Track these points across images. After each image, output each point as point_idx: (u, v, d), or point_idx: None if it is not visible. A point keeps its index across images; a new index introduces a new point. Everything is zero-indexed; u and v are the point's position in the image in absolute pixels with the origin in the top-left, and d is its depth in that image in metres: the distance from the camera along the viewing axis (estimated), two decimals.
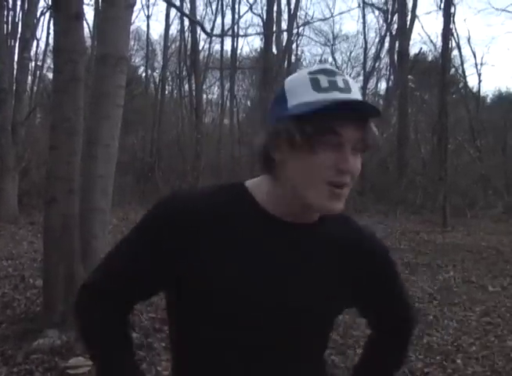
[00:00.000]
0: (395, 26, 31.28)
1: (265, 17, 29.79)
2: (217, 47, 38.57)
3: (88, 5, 25.23)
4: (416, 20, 32.31)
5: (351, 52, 39.94)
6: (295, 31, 32.51)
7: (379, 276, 1.82)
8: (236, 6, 32.27)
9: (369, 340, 2.09)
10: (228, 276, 1.55)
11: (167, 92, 36.25)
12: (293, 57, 34.30)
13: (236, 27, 30.82)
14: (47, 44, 28.65)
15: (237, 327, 1.59)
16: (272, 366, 1.62)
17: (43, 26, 44.65)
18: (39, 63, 29.56)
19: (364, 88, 35.51)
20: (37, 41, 27.57)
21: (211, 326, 1.59)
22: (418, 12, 43.37)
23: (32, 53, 23.03)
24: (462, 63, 32.42)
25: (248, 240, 1.60)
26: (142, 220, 1.67)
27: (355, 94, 1.56)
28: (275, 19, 28.65)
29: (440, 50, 26.72)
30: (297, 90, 1.56)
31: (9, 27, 20.43)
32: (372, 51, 36.24)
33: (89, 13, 47.37)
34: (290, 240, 1.64)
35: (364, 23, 38.14)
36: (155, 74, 37.41)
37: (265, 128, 1.61)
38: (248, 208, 1.63)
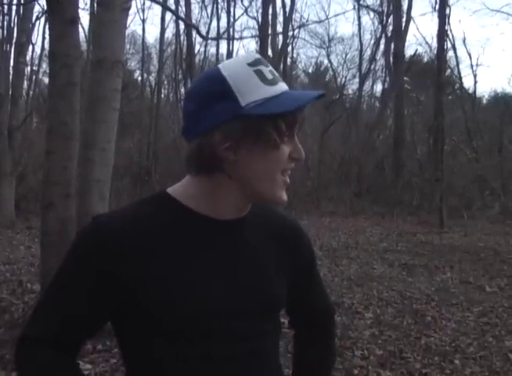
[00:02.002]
0: (390, 27, 31.38)
1: (260, 20, 29.89)
2: (212, 50, 38.68)
3: (83, 9, 25.22)
4: (412, 22, 32.44)
5: (346, 54, 39.93)
6: (290, 34, 32.53)
7: (306, 262, 1.86)
8: (232, 9, 32.34)
9: (296, 341, 2.04)
10: (174, 288, 1.50)
11: (163, 96, 36.32)
12: (288, 60, 34.32)
13: (231, 30, 30.97)
14: (42, 48, 28.67)
15: (192, 337, 1.52)
16: (233, 370, 1.56)
17: (38, 30, 44.83)
18: (35, 68, 29.62)
19: (360, 90, 35.60)
20: (33, 45, 27.58)
21: (165, 341, 1.52)
22: (413, 13, 43.54)
23: (28, 58, 23.11)
24: (457, 64, 32.58)
25: (187, 246, 1.55)
26: (70, 255, 1.58)
27: (282, 80, 1.60)
28: (270, 22, 28.65)
29: (435, 51, 26.79)
30: (247, 85, 1.52)
31: (5, 31, 20.46)
32: (367, 53, 36.29)
33: (85, 17, 47.39)
34: (229, 238, 1.62)
35: (359, 25, 38.06)
36: (151, 77, 37.46)
37: (206, 126, 1.53)
38: (178, 214, 1.59)
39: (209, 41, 32.78)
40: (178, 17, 27.45)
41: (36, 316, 1.62)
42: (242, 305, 1.58)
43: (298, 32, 35.39)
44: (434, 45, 28.38)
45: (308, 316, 1.99)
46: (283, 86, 1.55)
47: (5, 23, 20.85)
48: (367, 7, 34.89)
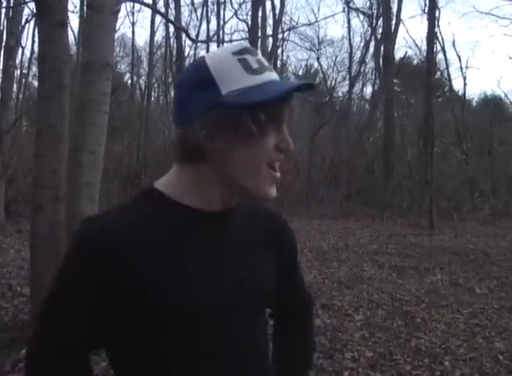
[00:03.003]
0: (380, 30, 31.47)
1: (249, 23, 29.89)
2: (202, 53, 38.62)
3: (72, 12, 25.20)
4: (401, 24, 32.53)
5: (336, 57, 40.06)
6: (280, 36, 32.58)
7: (291, 254, 1.89)
8: (221, 12, 32.37)
9: (275, 334, 2.02)
10: (170, 282, 1.47)
11: (153, 99, 36.29)
12: (278, 62, 34.34)
13: (221, 33, 30.94)
14: (32, 51, 28.71)
15: (198, 335, 1.51)
16: (232, 363, 1.57)
17: (28, 33, 44.67)
18: (24, 71, 29.58)
19: (350, 92, 35.66)
20: (23, 48, 27.60)
21: (161, 336, 1.50)
22: (402, 16, 43.43)
23: (17, 61, 23.04)
24: (447, 67, 32.66)
25: (178, 240, 1.53)
26: (65, 263, 1.53)
27: (273, 70, 1.57)
28: (260, 25, 28.71)
29: (425, 54, 26.89)
30: (229, 74, 1.50)
31: None
32: (357, 55, 36.37)
33: (74, 20, 47.31)
34: (222, 229, 1.61)
35: (349, 27, 38.48)
36: (141, 80, 37.50)
37: (189, 114, 1.52)
38: (167, 209, 1.56)
39: (199, 44, 32.90)
40: (167, 20, 27.45)
41: (42, 329, 1.57)
42: (236, 294, 1.57)
43: (288, 35, 35.46)
44: (424, 47, 28.54)
45: (289, 306, 1.99)
46: (270, 75, 1.53)
47: None
48: (357, 9, 34.99)
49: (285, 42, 36.17)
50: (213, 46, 33.40)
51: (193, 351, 1.52)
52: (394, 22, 29.28)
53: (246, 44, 1.58)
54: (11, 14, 19.28)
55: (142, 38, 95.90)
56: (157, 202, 1.57)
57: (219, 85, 1.49)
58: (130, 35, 52.21)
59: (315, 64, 42.33)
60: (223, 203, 1.60)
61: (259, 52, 1.59)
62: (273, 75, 1.54)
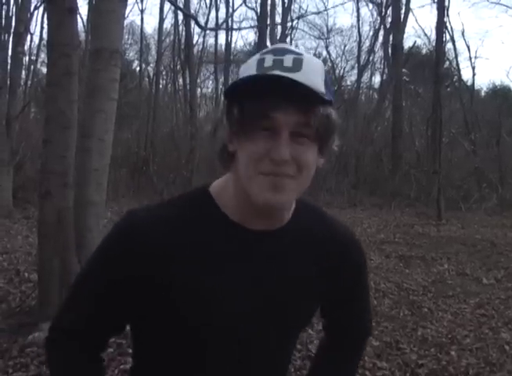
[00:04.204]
0: (389, 19, 31.32)
1: (258, 11, 29.82)
2: (211, 41, 38.62)
3: None
4: (410, 14, 32.34)
5: (345, 46, 39.94)
6: (289, 25, 32.57)
7: (349, 280, 1.75)
8: (230, 0, 32.27)
9: (322, 346, 2.01)
10: (200, 291, 1.48)
11: (161, 86, 36.27)
12: None
13: (230, 21, 30.91)
14: (41, 38, 28.69)
15: (209, 340, 1.53)
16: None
17: (37, 20, 44.54)
18: (33, 58, 29.60)
19: (358, 81, 35.55)
20: (31, 35, 27.59)
21: (183, 340, 1.53)
22: (412, 5, 43.48)
23: (26, 47, 23.01)
24: (456, 57, 32.50)
25: (216, 256, 1.50)
26: (102, 250, 1.58)
27: (305, 74, 1.36)
28: (269, 13, 28.63)
29: (434, 43, 26.81)
30: (243, 74, 1.42)
31: (3, 21, 20.35)
32: (366, 44, 36.32)
33: (83, 7, 47.31)
34: (258, 249, 1.55)
35: (358, 16, 38.26)
36: (149, 67, 37.44)
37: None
38: (212, 219, 1.53)
39: (207, 32, 32.83)
40: (176, 7, 27.37)
41: (66, 307, 1.62)
42: (262, 317, 1.56)
43: (297, 23, 35.45)
44: (433, 37, 28.52)
45: (343, 334, 1.94)
46: (276, 74, 1.35)
47: (3, 12, 20.73)
48: None
49: (294, 31, 36.20)
50: (222, 34, 33.44)
51: (206, 360, 1.55)
52: (403, 11, 29.11)
53: (285, 45, 1.47)
54: (20, 0, 19.23)
55: (150, 26, 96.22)
56: (205, 208, 1.55)
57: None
58: (139, 23, 52.41)
59: (324, 53, 42.18)
60: (263, 220, 1.54)
61: (299, 56, 1.41)
62: (283, 74, 1.34)
